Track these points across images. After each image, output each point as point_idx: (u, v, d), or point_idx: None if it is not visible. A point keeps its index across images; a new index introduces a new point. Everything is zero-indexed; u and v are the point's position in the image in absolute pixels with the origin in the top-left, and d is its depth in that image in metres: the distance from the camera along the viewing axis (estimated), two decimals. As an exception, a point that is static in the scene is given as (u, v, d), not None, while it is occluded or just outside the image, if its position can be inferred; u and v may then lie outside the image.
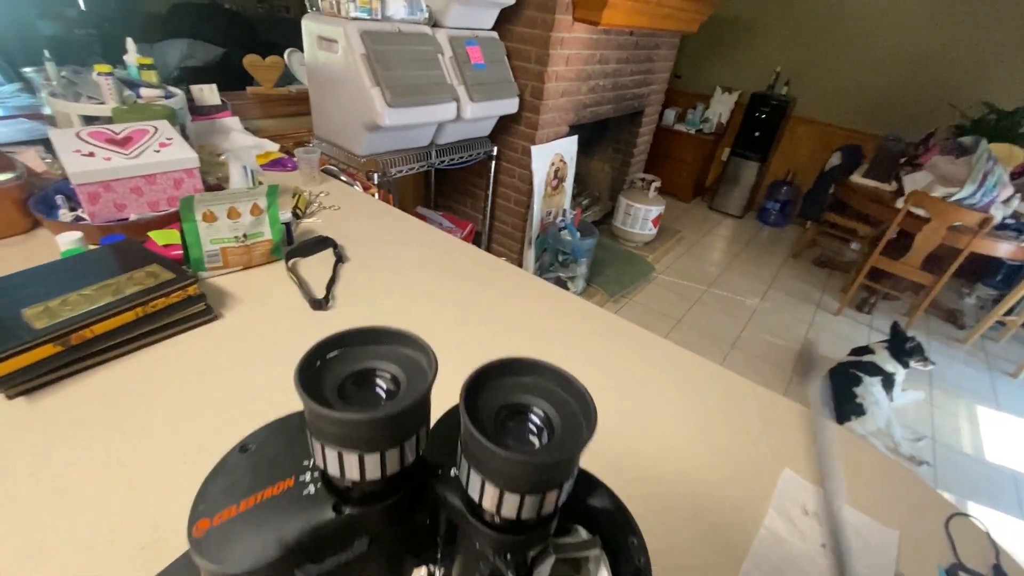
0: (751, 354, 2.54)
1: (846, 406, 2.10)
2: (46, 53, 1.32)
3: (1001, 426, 2.31)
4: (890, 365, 2.17)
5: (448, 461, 0.25)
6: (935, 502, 0.70)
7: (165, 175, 1.03)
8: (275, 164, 1.49)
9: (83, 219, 0.97)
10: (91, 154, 0.96)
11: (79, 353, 0.67)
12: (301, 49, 1.90)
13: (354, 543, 0.23)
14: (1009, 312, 2.77)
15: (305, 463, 0.24)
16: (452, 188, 2.76)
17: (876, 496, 0.69)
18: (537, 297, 1.02)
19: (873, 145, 3.48)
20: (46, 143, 1.12)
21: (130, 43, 1.50)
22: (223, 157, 1.37)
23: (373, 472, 0.21)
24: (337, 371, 0.23)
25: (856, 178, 3.04)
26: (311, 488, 0.23)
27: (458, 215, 2.69)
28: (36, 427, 0.59)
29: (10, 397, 0.62)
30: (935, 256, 2.59)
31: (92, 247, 0.86)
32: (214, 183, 1.22)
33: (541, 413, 0.22)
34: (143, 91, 1.38)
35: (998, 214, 2.45)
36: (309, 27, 1.78)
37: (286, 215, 1.03)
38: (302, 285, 0.92)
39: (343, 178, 1.54)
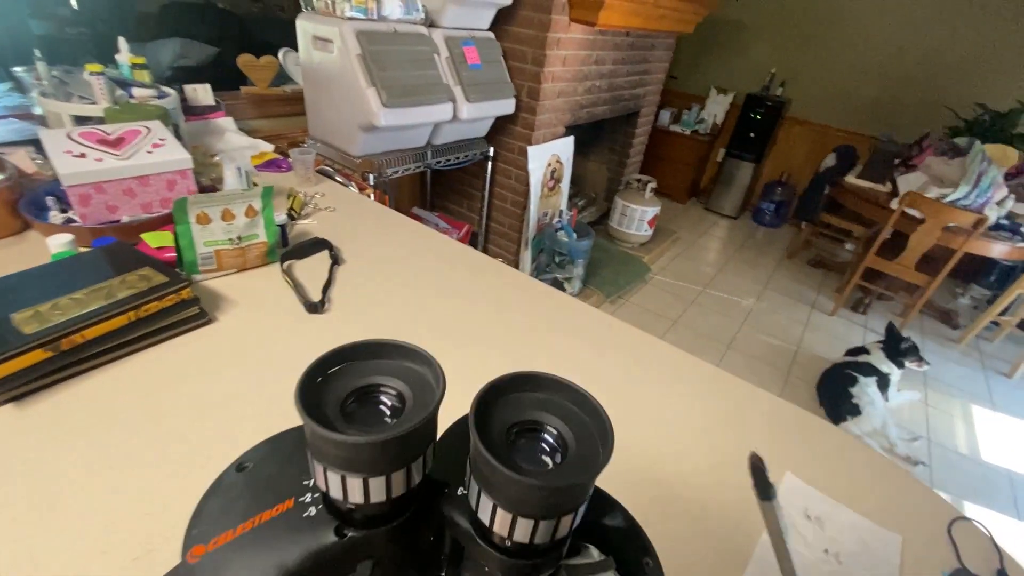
0: (748, 355, 2.54)
1: (842, 406, 2.11)
2: (36, 52, 1.30)
3: (996, 426, 2.32)
4: (885, 365, 2.18)
5: (454, 478, 0.24)
6: (936, 505, 0.70)
7: (158, 176, 1.01)
8: (270, 165, 1.48)
9: (74, 221, 0.96)
10: (82, 155, 0.95)
11: (70, 358, 0.65)
12: (296, 49, 1.88)
13: (357, 567, 0.22)
14: (1003, 312, 2.79)
15: (305, 483, 0.23)
16: (448, 189, 2.75)
17: (877, 500, 0.69)
18: (533, 298, 1.02)
19: (867, 146, 3.49)
20: (37, 144, 1.10)
21: (122, 42, 1.48)
22: (217, 158, 1.36)
23: (378, 495, 0.20)
24: (339, 387, 0.22)
25: (851, 179, 3.06)
26: (312, 510, 0.22)
27: (454, 216, 2.68)
28: (26, 434, 0.58)
29: (-2, 404, 0.61)
30: (929, 257, 2.60)
31: (83, 250, 0.85)
32: (208, 184, 1.20)
33: (554, 431, 0.21)
34: (135, 91, 1.36)
35: (992, 215, 2.46)
36: (304, 27, 1.76)
37: (281, 217, 1.02)
38: (297, 288, 0.91)
39: (338, 179, 1.53)
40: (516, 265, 2.62)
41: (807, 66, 3.81)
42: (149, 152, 1.01)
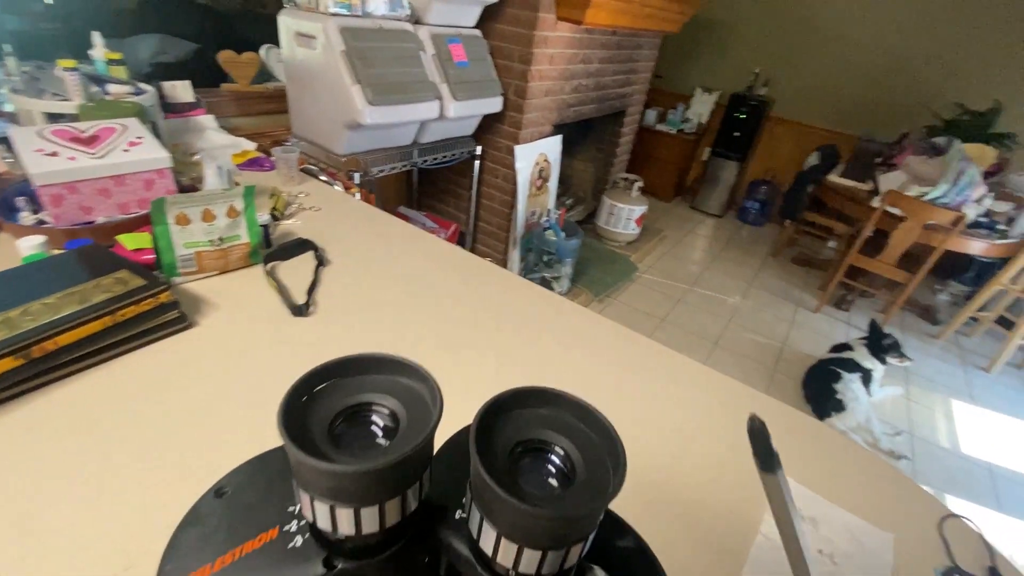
0: (735, 352, 2.56)
1: (826, 402, 2.14)
2: (7, 47, 1.25)
3: (976, 419, 2.37)
4: (868, 361, 2.21)
5: (452, 500, 0.22)
6: (926, 503, 0.70)
7: (135, 176, 0.98)
8: (252, 164, 1.44)
9: (46, 222, 0.92)
10: (54, 153, 0.91)
11: (42, 366, 0.62)
12: (278, 45, 1.84)
13: (347, 600, 0.21)
14: (982, 308, 2.84)
15: (290, 509, 0.21)
16: (435, 188, 2.72)
17: (867, 497, 0.69)
18: (522, 298, 1.00)
19: (850, 145, 3.54)
20: (6, 142, 1.06)
21: (96, 36, 1.43)
22: (197, 156, 1.32)
23: (371, 526, 0.18)
24: (326, 407, 0.20)
25: (833, 178, 3.09)
26: (298, 540, 0.20)
27: (442, 215, 2.65)
28: (-7, 449, 0.55)
29: (-36, 417, 0.58)
30: (910, 254, 2.64)
31: (56, 252, 0.81)
32: (188, 184, 1.17)
33: (561, 451, 0.20)
34: (111, 87, 1.32)
35: (971, 212, 2.50)
36: (286, 23, 1.73)
37: (264, 217, 1.00)
38: (282, 290, 0.89)
39: (323, 178, 1.50)
40: (504, 264, 2.61)
41: (790, 66, 3.85)
42: (125, 151, 0.98)
